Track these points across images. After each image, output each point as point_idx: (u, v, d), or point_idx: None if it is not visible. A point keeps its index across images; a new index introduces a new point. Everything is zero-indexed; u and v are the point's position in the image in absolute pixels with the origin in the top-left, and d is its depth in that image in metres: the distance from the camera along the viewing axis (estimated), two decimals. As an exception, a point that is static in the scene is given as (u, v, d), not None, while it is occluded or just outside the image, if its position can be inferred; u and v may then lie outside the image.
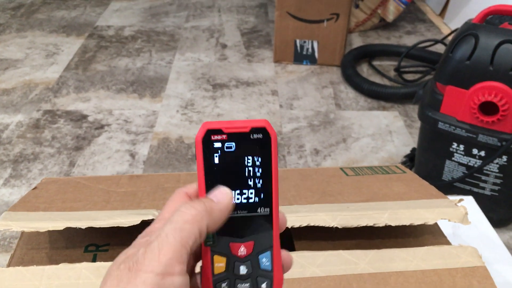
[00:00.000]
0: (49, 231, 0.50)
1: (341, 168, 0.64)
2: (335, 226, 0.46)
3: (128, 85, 1.43)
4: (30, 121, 1.25)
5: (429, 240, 0.51)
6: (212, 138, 0.27)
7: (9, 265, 0.47)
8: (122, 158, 1.12)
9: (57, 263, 0.42)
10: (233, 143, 0.27)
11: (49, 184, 0.57)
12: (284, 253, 0.29)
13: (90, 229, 0.50)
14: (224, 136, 0.27)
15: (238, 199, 0.27)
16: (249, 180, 0.27)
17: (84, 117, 1.27)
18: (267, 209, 0.28)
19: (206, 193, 0.27)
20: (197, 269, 0.29)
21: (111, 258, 0.44)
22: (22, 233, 0.51)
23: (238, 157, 0.27)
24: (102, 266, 0.42)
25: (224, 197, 0.27)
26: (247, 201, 0.27)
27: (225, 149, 0.27)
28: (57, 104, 1.32)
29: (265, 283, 0.27)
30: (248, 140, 0.27)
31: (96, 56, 1.59)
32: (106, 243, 0.50)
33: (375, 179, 0.59)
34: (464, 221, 0.49)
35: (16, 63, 1.54)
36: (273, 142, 0.27)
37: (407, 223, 0.47)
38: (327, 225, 0.46)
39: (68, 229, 0.49)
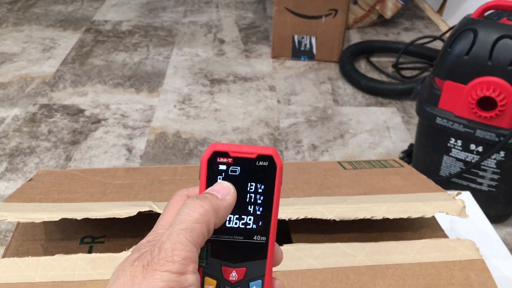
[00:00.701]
0: (44, 223, 0.50)
1: (339, 162, 0.63)
2: (333, 218, 0.46)
3: (125, 79, 1.42)
4: (27, 115, 1.24)
5: (426, 234, 0.51)
6: (218, 160, 0.27)
7: (4, 256, 0.46)
8: (119, 153, 1.11)
9: (52, 254, 0.42)
10: (238, 168, 0.27)
11: (45, 176, 0.57)
12: (277, 282, 0.29)
13: (86, 221, 0.50)
14: (230, 160, 0.27)
15: (236, 223, 0.27)
16: (249, 206, 0.27)
17: (81, 111, 1.26)
18: (264, 238, 0.27)
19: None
20: None
21: (107, 250, 0.43)
22: (18, 224, 0.50)
23: (241, 182, 0.27)
24: (97, 257, 0.42)
25: (227, 192, 0.27)
26: (245, 227, 0.27)
27: (229, 173, 0.27)
28: (53, 98, 1.31)
29: None
30: (253, 166, 0.27)
31: (93, 50, 1.58)
32: (102, 235, 0.49)
33: (373, 173, 0.59)
34: (462, 214, 0.48)
35: (12, 57, 1.53)
36: (278, 171, 0.27)
37: (404, 216, 0.47)
38: (324, 218, 0.46)
39: (63, 221, 0.49)
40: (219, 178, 0.27)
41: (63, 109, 1.27)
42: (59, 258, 0.41)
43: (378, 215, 0.47)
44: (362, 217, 0.46)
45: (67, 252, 0.42)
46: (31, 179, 0.55)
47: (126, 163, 1.08)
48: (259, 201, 0.27)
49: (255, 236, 0.27)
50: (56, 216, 0.43)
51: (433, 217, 0.53)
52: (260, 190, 0.27)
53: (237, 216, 0.27)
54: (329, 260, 0.44)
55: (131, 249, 0.43)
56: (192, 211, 0.25)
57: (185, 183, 0.56)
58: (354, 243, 0.45)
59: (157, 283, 0.23)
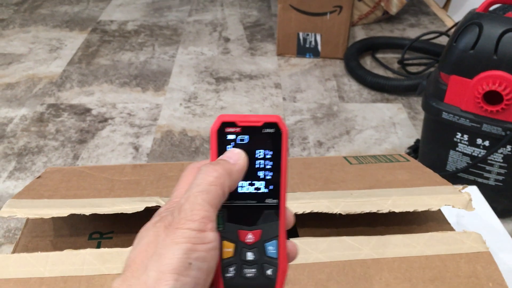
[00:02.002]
0: (53, 219, 0.50)
1: (345, 157, 0.63)
2: (338, 212, 0.46)
3: (131, 78, 1.43)
4: (34, 114, 1.25)
5: (433, 227, 0.51)
6: (226, 130, 0.28)
7: (13, 252, 0.47)
8: (126, 151, 1.12)
9: (61, 250, 0.42)
10: (246, 136, 0.28)
11: (53, 173, 0.57)
12: (290, 243, 0.30)
13: (94, 217, 0.50)
14: (238, 129, 0.28)
15: (248, 189, 0.29)
16: (259, 171, 0.29)
17: (87, 110, 1.27)
18: (275, 200, 0.29)
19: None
20: None
21: (115, 246, 0.44)
22: (27, 221, 0.51)
23: (250, 149, 0.28)
24: (106, 252, 0.42)
25: (238, 157, 0.28)
26: (257, 191, 0.29)
27: (238, 141, 0.28)
28: (60, 98, 1.33)
29: (270, 270, 0.28)
30: (260, 134, 0.28)
31: (99, 50, 1.59)
32: (110, 230, 0.50)
33: (379, 167, 0.59)
34: (468, 207, 0.48)
35: (20, 57, 1.54)
36: (284, 137, 0.28)
37: (410, 209, 0.47)
38: (330, 212, 0.46)
39: (72, 217, 0.49)
40: (228, 148, 0.28)
41: (70, 108, 1.28)
42: (68, 253, 0.42)
43: (384, 209, 0.47)
44: (368, 211, 0.46)
45: (76, 247, 0.43)
46: (39, 176, 0.56)
47: (133, 161, 1.09)
48: (268, 166, 0.28)
49: (267, 199, 0.29)
50: (64, 212, 0.44)
51: (439, 210, 0.53)
52: (268, 156, 0.28)
53: (249, 182, 0.29)
54: (335, 253, 0.44)
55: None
56: (207, 175, 0.26)
57: (191, 179, 0.56)
58: (360, 236, 0.45)
59: (179, 239, 0.24)
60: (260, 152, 0.28)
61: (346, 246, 0.44)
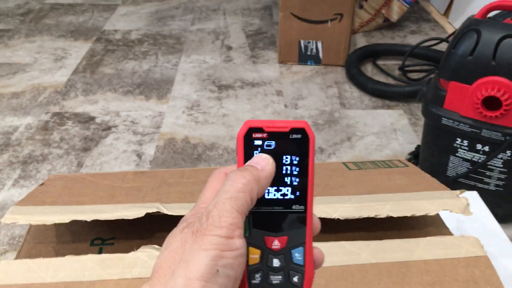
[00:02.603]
0: (55, 226, 0.51)
1: (344, 163, 0.64)
2: (337, 218, 0.47)
3: (134, 87, 1.44)
4: (39, 123, 1.27)
5: (432, 232, 0.51)
6: (253, 136, 0.28)
7: (16, 258, 0.48)
8: (129, 158, 1.13)
9: (63, 256, 0.43)
10: (273, 142, 0.28)
11: (56, 180, 0.58)
12: (317, 249, 0.30)
13: (96, 223, 0.51)
14: (265, 135, 0.28)
15: (274, 195, 0.29)
16: (285, 177, 0.28)
17: (91, 118, 1.29)
18: (302, 207, 0.29)
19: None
20: None
21: (116, 251, 0.44)
22: (30, 227, 0.52)
23: (277, 155, 0.28)
24: (107, 257, 0.43)
25: (266, 163, 0.28)
26: (283, 197, 0.29)
27: (265, 147, 0.28)
28: (65, 107, 1.34)
29: (296, 277, 0.28)
30: (287, 139, 0.28)
31: (103, 59, 1.61)
32: (111, 236, 0.50)
33: (377, 173, 0.60)
34: (465, 212, 0.49)
35: (25, 67, 1.56)
36: (311, 143, 0.28)
37: (408, 214, 0.47)
38: (328, 217, 0.47)
39: (74, 224, 0.50)
40: (255, 153, 0.28)
41: (74, 117, 1.29)
42: (69, 259, 0.42)
43: (382, 214, 0.47)
44: (366, 216, 0.47)
45: (78, 253, 0.43)
46: (42, 184, 0.57)
47: (136, 169, 1.10)
48: (295, 172, 0.28)
49: (294, 206, 0.29)
50: (66, 218, 0.45)
51: (438, 215, 0.54)
52: (295, 162, 0.28)
53: (275, 188, 0.29)
54: (334, 258, 0.44)
55: (139, 249, 0.44)
56: (236, 182, 0.26)
57: (191, 185, 0.57)
58: (359, 241, 0.45)
59: (207, 246, 0.24)
60: (287, 157, 0.28)
61: (345, 251, 0.45)
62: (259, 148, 0.28)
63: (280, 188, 0.28)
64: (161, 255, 0.26)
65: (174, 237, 0.26)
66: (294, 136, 0.28)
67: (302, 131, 0.28)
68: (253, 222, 0.28)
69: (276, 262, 0.28)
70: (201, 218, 0.26)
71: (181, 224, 0.27)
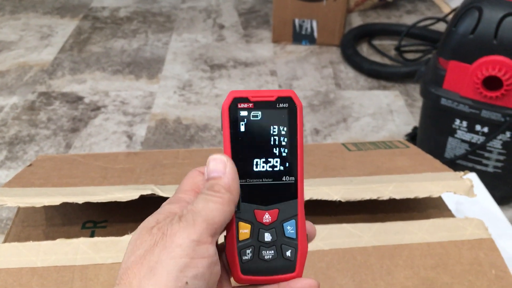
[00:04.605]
0: (45, 208, 0.49)
1: (343, 144, 0.62)
2: (339, 199, 0.45)
3: (124, 66, 1.40)
4: (25, 103, 1.23)
5: (433, 214, 0.50)
6: (239, 106, 0.27)
7: (5, 242, 0.46)
8: (119, 140, 1.10)
9: (54, 239, 0.41)
10: (259, 112, 0.27)
11: (45, 161, 0.56)
12: (308, 223, 0.29)
13: (87, 206, 0.49)
14: (251, 105, 0.27)
15: (263, 167, 0.27)
16: (274, 148, 0.27)
17: (80, 98, 1.25)
18: (292, 178, 0.28)
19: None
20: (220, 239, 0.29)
21: (109, 235, 0.43)
22: (18, 210, 0.49)
23: (264, 125, 0.27)
24: (100, 241, 0.41)
25: (223, 167, 0.26)
26: (272, 169, 0.27)
27: (251, 118, 0.27)
28: (52, 86, 1.30)
29: (289, 251, 0.27)
30: (274, 109, 0.27)
31: (91, 37, 1.56)
32: (103, 219, 0.48)
33: (378, 154, 0.58)
34: (469, 193, 0.48)
35: (10, 45, 1.51)
36: (299, 112, 0.27)
37: (411, 196, 0.46)
38: (330, 199, 0.45)
39: (64, 206, 0.48)
40: (241, 124, 0.27)
41: (62, 96, 1.26)
42: (60, 243, 0.41)
43: (385, 196, 0.46)
44: (368, 198, 0.45)
45: (69, 237, 0.41)
46: (30, 164, 0.55)
47: (127, 150, 1.07)
48: (283, 143, 0.27)
49: (284, 177, 0.28)
50: (57, 201, 0.43)
51: (440, 197, 0.53)
52: (283, 132, 0.27)
53: (264, 159, 0.27)
54: (336, 241, 0.43)
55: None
56: (212, 201, 0.25)
57: (187, 166, 0.55)
58: (361, 223, 0.44)
59: (176, 252, 0.23)
60: (274, 128, 0.27)
61: (347, 234, 0.44)
62: (245, 119, 0.27)
63: (269, 159, 0.27)
64: (128, 258, 0.24)
65: (142, 237, 0.24)
66: (281, 105, 0.27)
67: (289, 99, 0.27)
68: (242, 195, 0.27)
69: (267, 237, 0.27)
70: (173, 219, 0.24)
71: (149, 222, 0.25)
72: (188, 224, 0.24)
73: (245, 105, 0.27)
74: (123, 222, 0.48)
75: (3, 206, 0.42)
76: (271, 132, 0.27)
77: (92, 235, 0.47)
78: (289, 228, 0.27)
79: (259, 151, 0.27)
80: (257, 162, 0.27)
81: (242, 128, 0.27)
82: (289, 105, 0.27)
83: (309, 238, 0.29)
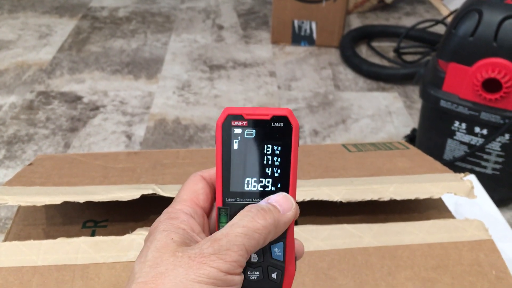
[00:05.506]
0: (45, 207, 0.49)
1: (343, 145, 0.63)
2: (339, 200, 0.45)
3: (123, 66, 1.40)
4: (24, 102, 1.22)
5: (433, 215, 0.50)
6: (233, 123, 0.26)
7: (5, 241, 0.45)
8: (118, 140, 1.10)
9: (54, 239, 0.41)
10: (254, 130, 0.27)
11: (45, 160, 0.55)
12: (297, 241, 0.29)
13: (88, 205, 0.49)
14: (245, 123, 0.26)
15: (254, 186, 0.27)
16: (267, 168, 0.27)
17: (78, 98, 1.25)
18: None
19: (222, 179, 0.27)
20: None
21: (110, 234, 0.43)
22: (18, 209, 0.49)
23: (257, 144, 0.27)
24: (101, 240, 0.41)
25: (289, 208, 0.26)
26: (264, 189, 0.27)
27: (245, 136, 0.27)
28: (51, 85, 1.30)
29: (275, 273, 0.27)
30: (269, 128, 0.26)
31: (90, 37, 1.56)
32: (104, 219, 0.48)
33: (378, 155, 0.58)
34: (470, 195, 0.48)
35: (8, 44, 1.50)
36: (294, 132, 0.27)
37: (412, 197, 0.46)
38: (331, 200, 0.45)
39: (65, 205, 0.48)
40: (235, 142, 0.27)
41: (60, 96, 1.25)
42: (61, 242, 0.40)
43: (386, 197, 0.46)
44: (369, 199, 0.45)
45: (69, 236, 0.41)
46: (31, 164, 0.54)
47: (126, 150, 1.07)
48: (276, 163, 0.27)
49: None
50: (57, 200, 0.42)
51: (440, 198, 0.53)
52: (277, 152, 0.27)
53: (255, 179, 0.27)
54: (336, 241, 0.43)
55: (135, 232, 0.42)
56: (255, 220, 0.25)
57: (187, 166, 0.55)
58: (362, 224, 0.44)
59: (203, 278, 0.22)
60: (268, 147, 0.26)
61: (347, 234, 0.44)
62: (239, 137, 0.26)
63: (261, 179, 0.27)
64: (146, 273, 0.23)
65: (163, 260, 0.23)
66: (276, 124, 0.26)
67: (284, 119, 0.26)
68: (231, 215, 0.27)
69: (254, 257, 0.27)
70: (203, 243, 0.24)
71: (168, 243, 0.24)
72: (220, 252, 0.23)
73: (239, 123, 0.26)
74: (124, 222, 0.48)
75: (4, 205, 0.42)
76: (265, 151, 0.27)
77: (92, 235, 0.47)
78: (277, 250, 0.27)
79: (251, 170, 0.27)
80: (248, 181, 0.27)
81: (235, 146, 0.27)
82: (284, 124, 0.26)
83: (296, 256, 0.29)
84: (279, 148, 0.27)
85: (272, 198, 0.26)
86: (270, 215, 0.25)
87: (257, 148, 0.27)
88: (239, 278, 0.24)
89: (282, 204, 0.26)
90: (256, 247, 0.25)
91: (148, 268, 0.23)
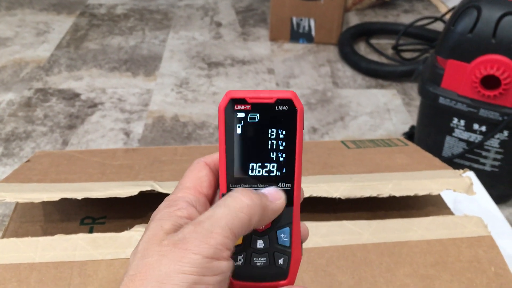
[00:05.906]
0: (43, 204, 0.49)
1: (342, 141, 0.62)
2: (338, 197, 0.45)
3: (121, 63, 1.40)
4: (22, 99, 1.22)
5: (432, 212, 0.50)
6: (236, 107, 0.26)
7: (2, 237, 0.45)
8: (117, 137, 1.10)
9: (52, 235, 0.40)
10: (257, 114, 0.26)
11: (42, 157, 0.55)
12: (302, 225, 0.28)
13: (86, 202, 0.48)
14: (248, 106, 0.26)
15: (259, 172, 0.26)
16: (271, 153, 0.26)
17: (76, 95, 1.24)
18: (289, 184, 0.27)
19: (226, 165, 0.26)
20: None
21: (108, 231, 0.42)
22: (16, 206, 0.49)
23: (261, 128, 0.26)
24: (99, 237, 0.41)
25: (278, 197, 0.26)
26: (268, 174, 0.27)
27: (248, 120, 0.26)
28: (48, 83, 1.29)
29: (281, 259, 0.27)
30: (273, 111, 0.26)
31: (88, 34, 1.56)
32: (102, 215, 0.48)
33: (377, 152, 0.58)
34: (469, 191, 0.48)
35: (6, 41, 1.50)
36: (299, 115, 0.26)
37: (411, 193, 0.46)
38: (330, 196, 0.45)
39: (63, 202, 0.48)
40: (238, 126, 0.26)
41: (58, 93, 1.25)
42: (59, 238, 0.40)
43: (384, 193, 0.46)
44: (368, 195, 0.45)
45: (67, 233, 0.41)
46: (28, 160, 0.54)
47: (124, 147, 1.07)
48: (281, 147, 0.26)
49: (280, 183, 0.27)
50: (55, 196, 0.42)
51: (439, 195, 0.53)
52: (281, 136, 0.26)
53: (260, 164, 0.26)
54: (335, 238, 0.43)
55: (133, 229, 0.42)
56: (240, 200, 0.24)
57: (185, 163, 0.55)
58: (361, 221, 0.44)
59: (187, 268, 0.22)
60: (272, 131, 0.26)
61: (346, 231, 0.43)
62: (242, 121, 0.26)
63: (265, 164, 0.26)
64: (136, 264, 0.23)
65: (149, 250, 0.23)
66: (280, 107, 0.26)
67: (289, 102, 0.26)
68: None
69: (260, 244, 0.27)
70: (187, 227, 0.23)
71: (156, 231, 0.23)
72: (202, 236, 0.22)
73: (242, 107, 0.26)
74: (122, 218, 0.48)
75: (2, 202, 0.42)
76: (269, 135, 0.26)
77: (90, 231, 0.46)
78: (283, 236, 0.27)
79: (256, 155, 0.26)
80: (252, 166, 0.26)
81: (239, 131, 0.26)
82: (288, 107, 0.26)
83: (302, 239, 0.28)
84: (284, 132, 0.26)
85: (263, 190, 0.26)
86: (257, 197, 0.25)
87: (261, 133, 0.26)
88: (227, 264, 0.23)
89: (271, 193, 0.26)
90: (242, 228, 0.24)
91: (138, 260, 0.23)
